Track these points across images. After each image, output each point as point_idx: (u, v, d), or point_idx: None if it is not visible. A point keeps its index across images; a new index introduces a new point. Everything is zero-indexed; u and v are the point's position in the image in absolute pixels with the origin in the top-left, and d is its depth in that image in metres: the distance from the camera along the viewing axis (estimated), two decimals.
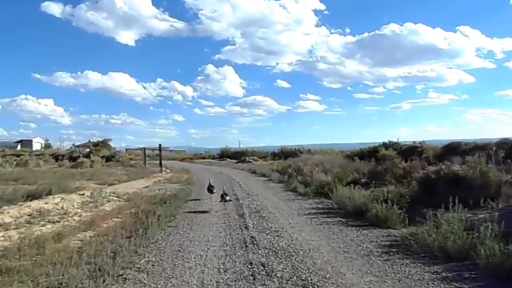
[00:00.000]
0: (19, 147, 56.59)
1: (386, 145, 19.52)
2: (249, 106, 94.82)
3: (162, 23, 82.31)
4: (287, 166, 17.51)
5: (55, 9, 79.98)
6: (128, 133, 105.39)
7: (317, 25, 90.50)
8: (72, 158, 30.29)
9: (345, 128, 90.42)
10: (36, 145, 59.78)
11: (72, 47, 75.88)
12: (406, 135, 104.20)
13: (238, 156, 39.69)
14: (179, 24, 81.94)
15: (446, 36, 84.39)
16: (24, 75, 73.52)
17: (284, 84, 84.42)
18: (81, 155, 30.50)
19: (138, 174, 17.76)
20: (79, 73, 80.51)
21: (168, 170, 20.39)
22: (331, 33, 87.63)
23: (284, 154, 36.51)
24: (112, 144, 44.93)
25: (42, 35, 70.82)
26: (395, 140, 20.74)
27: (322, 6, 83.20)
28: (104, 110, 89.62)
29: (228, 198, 8.49)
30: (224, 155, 41.93)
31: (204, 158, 41.04)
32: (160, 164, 19.50)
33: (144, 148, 24.45)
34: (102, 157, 30.40)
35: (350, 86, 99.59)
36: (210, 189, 9.44)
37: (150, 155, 38.86)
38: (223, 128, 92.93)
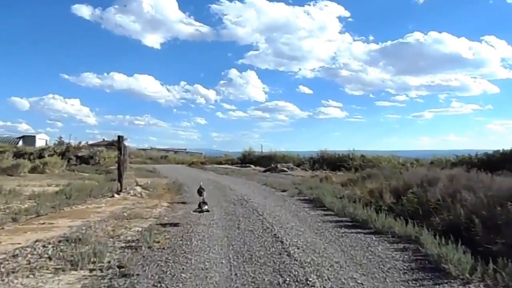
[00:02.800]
0: (20, 143, 50.81)
1: None
2: (270, 111, 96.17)
3: (188, 27, 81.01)
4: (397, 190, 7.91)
5: (85, 12, 79.06)
6: (151, 134, 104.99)
7: (340, 32, 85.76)
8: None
9: (365, 135, 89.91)
10: (41, 142, 54.58)
11: (100, 49, 75.76)
12: (426, 144, 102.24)
13: (265, 161, 30.26)
14: (204, 29, 77.68)
15: (471, 46, 79.15)
16: (52, 75, 73.74)
17: (306, 90, 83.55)
18: (53, 153, 22.02)
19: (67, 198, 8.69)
20: (105, 74, 77.57)
21: (139, 188, 11.15)
22: (355, 40, 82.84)
23: (327, 160, 26.89)
24: (127, 143, 41.43)
25: (71, 37, 72.23)
26: None
27: (346, 13, 78.77)
28: (128, 111, 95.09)
29: (206, 207, 7.04)
30: (247, 159, 32.64)
31: (220, 163, 31.92)
32: (119, 177, 10.05)
33: (118, 142, 15.23)
34: (77, 157, 21.83)
35: (372, 93, 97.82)
36: (200, 191, 7.81)
37: (165, 159, 30.41)
38: (245, 132, 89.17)
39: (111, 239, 5.37)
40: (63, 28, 70.06)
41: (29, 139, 53.61)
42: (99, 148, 23.21)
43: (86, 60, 75.34)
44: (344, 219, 7.41)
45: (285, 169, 22.93)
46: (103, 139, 65.73)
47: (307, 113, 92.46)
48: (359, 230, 6.40)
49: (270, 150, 33.46)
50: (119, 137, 12.40)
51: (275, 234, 5.84)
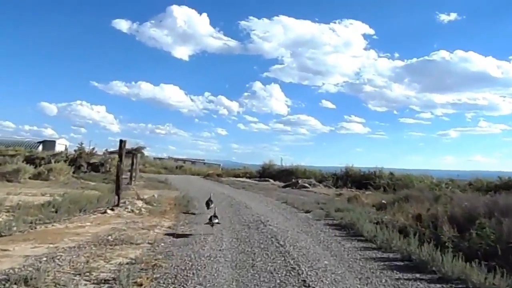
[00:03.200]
0: (40, 148, 51.29)
1: None
2: (292, 124, 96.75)
3: (216, 41, 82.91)
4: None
5: (124, 26, 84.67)
6: (171, 144, 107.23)
7: (365, 49, 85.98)
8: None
9: (388, 152, 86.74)
10: (60, 147, 55.25)
11: (131, 59, 79.91)
12: (451, 163, 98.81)
13: (285, 176, 28.57)
14: (232, 43, 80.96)
15: (499, 65, 78.57)
16: (83, 82, 79.53)
17: (329, 104, 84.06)
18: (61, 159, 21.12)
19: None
20: (133, 83, 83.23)
21: (140, 202, 9.61)
22: (380, 56, 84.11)
23: (352, 177, 24.96)
24: (146, 152, 42.74)
25: (106, 47, 75.48)
26: None
27: (371, 31, 79.48)
28: (151, 120, 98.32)
29: (216, 221, 6.83)
30: (266, 173, 31.00)
31: (238, 176, 30.40)
32: (117, 189, 8.31)
33: (121, 151, 13.98)
34: (89, 164, 20.82)
35: (396, 110, 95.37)
36: (208, 203, 8.48)
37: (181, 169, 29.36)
38: (265, 145, 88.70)
39: (76, 277, 3.88)
40: (100, 39, 74.57)
41: (49, 144, 53.94)
42: (111, 156, 22.16)
43: (116, 69, 79.05)
44: (391, 255, 5.68)
45: (307, 185, 21.17)
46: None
47: (329, 127, 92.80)
48: (418, 276, 4.67)
49: (291, 164, 31.81)
50: (120, 141, 10.91)
51: (304, 281, 4.19)
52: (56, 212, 7.48)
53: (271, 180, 25.77)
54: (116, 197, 8.67)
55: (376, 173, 24.03)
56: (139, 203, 9.23)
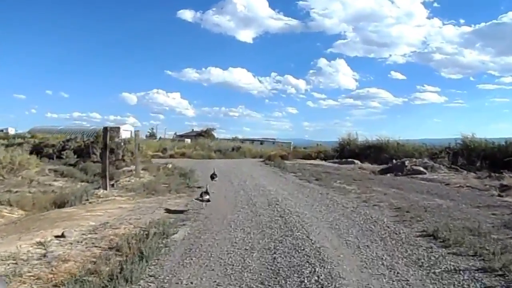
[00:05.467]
0: None
1: None
2: (362, 98, 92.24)
3: (277, 22, 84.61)
4: None
5: (188, 15, 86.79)
6: (245, 125, 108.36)
7: (428, 17, 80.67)
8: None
9: (469, 121, 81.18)
10: (126, 133, 53.98)
11: (199, 46, 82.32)
12: None
13: (373, 154, 20.45)
14: (293, 22, 78.81)
15: None
16: (158, 72, 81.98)
17: (398, 75, 77.87)
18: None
19: None
20: (203, 69, 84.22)
21: None
22: (444, 24, 78.64)
23: (473, 153, 16.09)
24: (215, 134, 44.68)
25: (175, 37, 78.89)
26: None
27: None
28: (223, 103, 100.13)
29: (207, 197, 6.80)
30: (345, 151, 23.04)
31: (310, 156, 22.94)
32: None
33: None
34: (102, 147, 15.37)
35: (472, 76, 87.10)
36: (212, 177, 9.45)
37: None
38: (336, 121, 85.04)
39: None
40: (169, 30, 78.08)
41: (113, 130, 52.53)
42: (125, 138, 16.47)
43: (187, 57, 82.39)
44: None
45: (421, 169, 12.95)
46: (192, 129, 64.77)
47: (402, 99, 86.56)
48: None
49: (366, 139, 23.29)
50: (104, 128, 9.95)
51: None
52: None
53: (356, 161, 17.84)
54: None
55: None
56: None
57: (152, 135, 56.42)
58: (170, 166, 14.42)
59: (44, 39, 70.84)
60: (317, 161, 20.27)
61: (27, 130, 41.64)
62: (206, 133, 57.14)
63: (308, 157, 23.06)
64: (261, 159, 22.74)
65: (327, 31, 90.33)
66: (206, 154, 24.10)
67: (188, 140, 45.86)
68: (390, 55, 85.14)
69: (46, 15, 67.05)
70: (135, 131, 9.98)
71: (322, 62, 77.63)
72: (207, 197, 6.67)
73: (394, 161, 14.65)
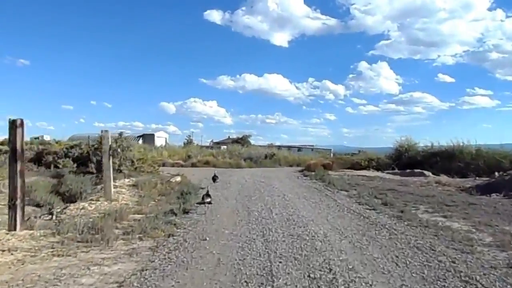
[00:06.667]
0: (140, 141, 48.88)
1: None
2: (405, 103, 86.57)
3: (314, 22, 79.48)
4: None
5: (216, 17, 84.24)
6: (283, 132, 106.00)
7: (490, 9, 73.64)
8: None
9: None
10: (160, 140, 52.71)
11: (231, 52, 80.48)
12: None
13: (442, 162, 15.98)
14: (331, 21, 73.48)
15: None
16: (193, 81, 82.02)
17: (446, 78, 72.89)
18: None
19: None
20: (237, 76, 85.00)
21: None
22: (508, 16, 68.98)
23: None
24: (252, 141, 45.20)
25: (206, 42, 77.79)
26: None
27: None
28: (260, 110, 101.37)
29: (209, 200, 7.12)
30: (403, 159, 18.53)
31: (358, 165, 18.64)
32: None
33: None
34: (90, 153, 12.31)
35: None
36: (214, 178, 9.64)
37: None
38: (377, 127, 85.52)
39: None
40: (198, 35, 76.10)
41: (149, 138, 51.60)
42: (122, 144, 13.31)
43: (220, 64, 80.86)
44: None
45: None
46: (228, 136, 62.54)
47: (448, 104, 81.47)
48: None
49: (450, 142, 18.48)
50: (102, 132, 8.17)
51: None
52: None
53: (427, 173, 13.34)
54: None
55: None
56: None
57: (189, 142, 55.35)
58: (178, 179, 10.92)
59: (80, 51, 72.38)
60: (370, 172, 15.98)
61: (67, 138, 41.11)
62: (242, 140, 54.57)
63: (356, 166, 18.77)
64: (299, 168, 18.77)
65: (369, 31, 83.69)
66: (234, 162, 20.51)
67: (225, 147, 43.38)
68: (439, 56, 79.71)
69: (78, 31, 68.61)
70: (102, 131, 8.18)
71: (363, 65, 73.69)
72: (209, 199, 6.95)
73: (496, 174, 10.13)
